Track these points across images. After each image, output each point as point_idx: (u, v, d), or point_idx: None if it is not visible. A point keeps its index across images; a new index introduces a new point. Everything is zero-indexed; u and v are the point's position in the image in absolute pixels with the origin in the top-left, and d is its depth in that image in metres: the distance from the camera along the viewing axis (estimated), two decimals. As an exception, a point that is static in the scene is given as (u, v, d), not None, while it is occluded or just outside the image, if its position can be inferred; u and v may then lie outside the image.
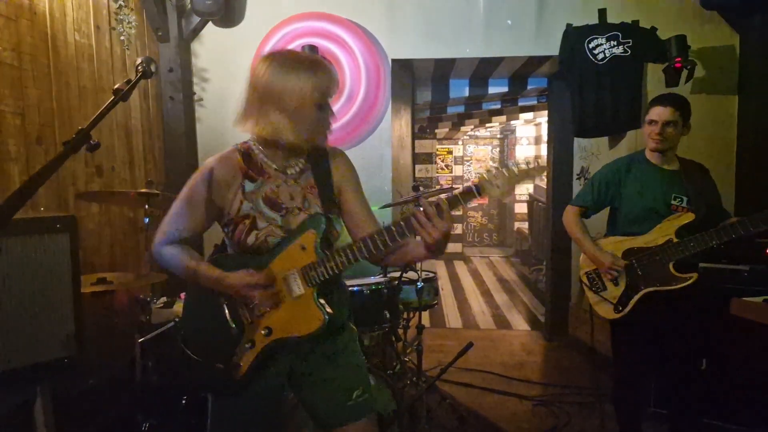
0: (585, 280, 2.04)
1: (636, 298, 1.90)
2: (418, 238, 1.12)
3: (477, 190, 1.08)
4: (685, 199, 1.90)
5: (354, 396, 1.27)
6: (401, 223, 1.11)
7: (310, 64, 1.15)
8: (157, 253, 1.24)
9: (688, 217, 1.86)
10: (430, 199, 1.09)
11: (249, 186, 1.22)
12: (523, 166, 1.09)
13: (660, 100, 1.92)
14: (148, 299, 2.06)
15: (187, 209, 1.22)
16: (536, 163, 1.09)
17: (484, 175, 1.08)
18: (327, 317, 1.18)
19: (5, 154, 1.94)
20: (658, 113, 1.89)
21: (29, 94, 2.07)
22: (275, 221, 1.21)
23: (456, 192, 1.10)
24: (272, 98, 1.12)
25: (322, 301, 1.19)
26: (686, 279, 1.84)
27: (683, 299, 1.87)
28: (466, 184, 1.12)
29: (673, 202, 1.90)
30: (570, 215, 2.09)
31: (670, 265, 1.86)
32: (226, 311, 1.22)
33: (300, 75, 1.12)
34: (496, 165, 1.12)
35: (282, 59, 1.15)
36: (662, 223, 1.89)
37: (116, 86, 0.85)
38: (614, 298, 1.95)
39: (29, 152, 2.06)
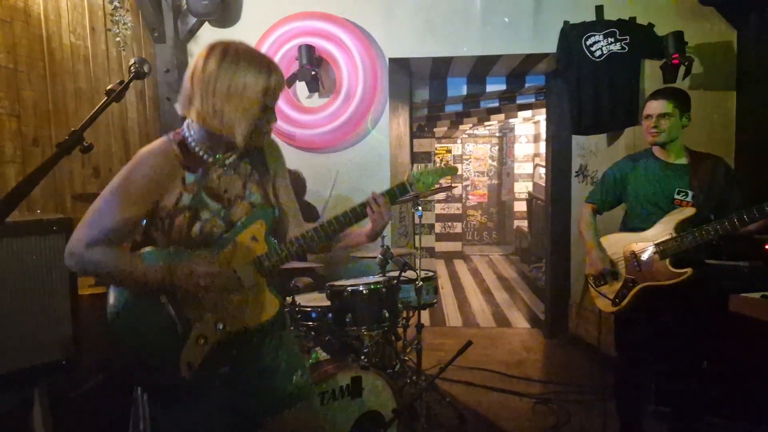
0: (590, 277, 2.07)
1: (633, 292, 1.91)
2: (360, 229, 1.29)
3: (410, 185, 1.28)
4: (690, 193, 1.88)
5: (294, 380, 1.27)
6: (356, 210, 1.23)
7: (264, 64, 1.13)
8: (79, 256, 1.09)
9: (689, 212, 1.85)
10: (374, 194, 1.25)
11: (189, 178, 1.16)
12: (441, 165, 1.29)
13: (653, 95, 1.94)
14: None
15: (118, 206, 1.10)
16: (450, 167, 1.36)
17: (413, 175, 1.29)
18: (282, 302, 1.21)
19: (1, 156, 1.94)
20: (652, 107, 1.91)
21: (25, 96, 2.07)
22: (219, 212, 1.18)
23: (393, 187, 1.27)
24: (220, 91, 1.08)
25: (271, 284, 1.21)
26: (679, 275, 1.83)
27: (683, 295, 1.87)
28: (399, 181, 1.30)
29: (677, 196, 1.89)
30: (584, 213, 2.14)
31: (667, 261, 1.85)
32: (171, 309, 1.15)
33: (252, 73, 1.10)
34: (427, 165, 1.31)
35: (236, 53, 1.10)
36: (664, 218, 1.89)
37: (109, 87, 0.85)
38: (612, 292, 1.98)
39: (26, 154, 2.06)
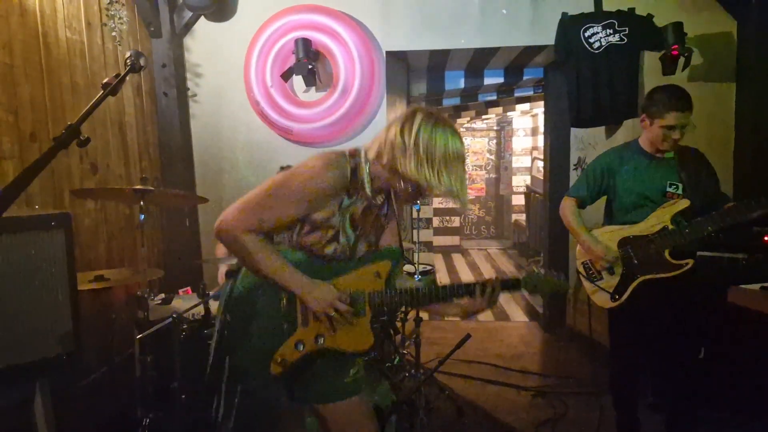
0: (581, 270, 2.05)
1: (632, 286, 1.90)
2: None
3: (523, 285, 1.34)
4: (680, 186, 1.90)
5: (351, 373, 1.33)
6: (471, 287, 1.28)
7: (460, 136, 1.25)
8: (233, 237, 1.19)
9: (683, 204, 1.86)
10: (491, 280, 1.29)
11: (346, 201, 1.24)
12: (554, 277, 1.36)
13: (676, 106, 1.83)
14: (146, 296, 2.06)
15: (285, 205, 1.19)
16: (563, 281, 1.37)
17: (528, 277, 1.34)
18: (375, 342, 1.27)
19: (-2, 151, 1.93)
20: (679, 119, 1.83)
21: (22, 91, 2.06)
22: (350, 239, 1.27)
23: (512, 279, 1.34)
24: (439, 152, 1.18)
25: (373, 321, 1.27)
26: (682, 266, 1.84)
27: (681, 288, 1.88)
28: (514, 277, 1.36)
29: (668, 189, 1.90)
30: (566, 206, 2.09)
31: (666, 253, 1.85)
32: (284, 305, 1.23)
33: (459, 142, 1.22)
34: (539, 270, 1.33)
35: (444, 121, 1.22)
36: (657, 210, 1.89)
37: (105, 81, 0.84)
38: (610, 287, 1.95)
39: (23, 149, 2.05)
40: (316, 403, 1.33)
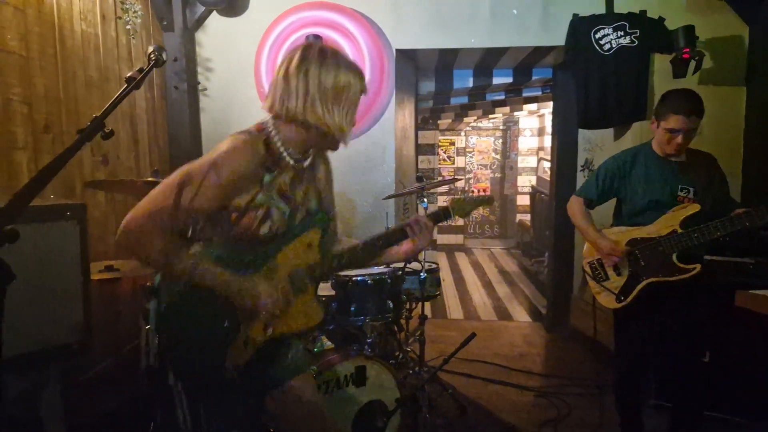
0: (588, 269, 2.05)
1: (638, 288, 1.90)
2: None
3: (453, 211, 1.38)
4: (691, 190, 1.89)
5: (290, 356, 1.32)
6: (402, 229, 1.31)
7: (358, 68, 1.21)
8: (138, 237, 1.05)
9: (694, 208, 1.85)
10: (418, 217, 1.33)
11: (267, 178, 1.17)
12: (475, 196, 1.43)
13: (680, 108, 1.79)
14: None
15: (198, 194, 1.07)
16: (486, 195, 1.46)
17: (452, 202, 1.39)
18: (324, 312, 1.26)
19: (13, 142, 1.96)
20: (680, 123, 1.79)
21: (36, 83, 2.08)
22: (285, 213, 1.20)
23: (436, 211, 1.37)
24: (325, 87, 1.12)
25: (317, 292, 1.25)
26: (689, 270, 1.84)
27: (687, 291, 1.87)
28: (442, 206, 1.41)
29: (680, 193, 1.89)
30: (574, 205, 2.09)
31: (674, 256, 1.85)
32: (224, 306, 1.17)
33: (352, 74, 1.17)
34: (462, 195, 1.35)
35: (334, 54, 1.16)
36: (667, 213, 1.88)
37: (129, 74, 0.86)
38: (616, 288, 1.95)
39: (36, 141, 2.07)
40: (266, 393, 1.30)
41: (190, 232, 1.17)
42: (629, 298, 1.91)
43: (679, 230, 1.85)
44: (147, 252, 1.07)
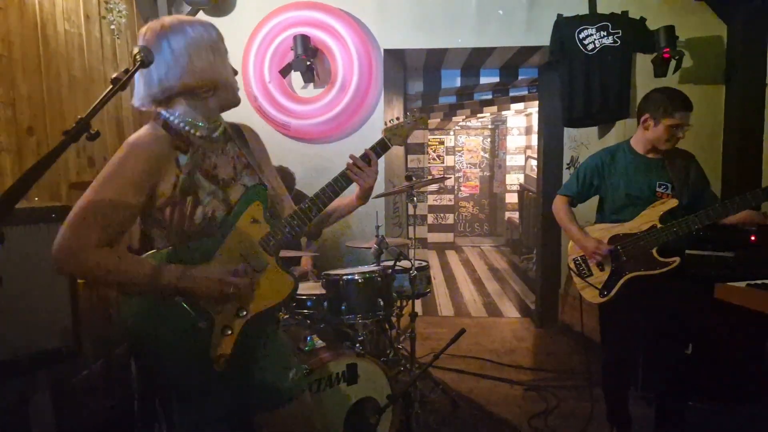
0: (572, 266, 2.10)
1: (620, 282, 1.96)
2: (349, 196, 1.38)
3: (389, 141, 1.37)
4: (669, 185, 1.95)
5: (290, 376, 1.30)
6: (343, 173, 1.31)
7: (207, 22, 1.18)
8: (83, 261, 1.01)
9: (672, 203, 1.91)
10: (353, 157, 1.34)
11: (182, 159, 1.12)
12: (408, 118, 1.40)
13: (687, 105, 1.89)
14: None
15: (114, 198, 1.03)
16: (417, 114, 1.42)
17: (387, 130, 1.38)
18: (295, 279, 1.23)
19: (-4, 145, 1.93)
20: (686, 119, 1.88)
21: (19, 84, 2.05)
22: (218, 195, 1.16)
23: (374, 145, 1.37)
24: (196, 50, 1.11)
25: (280, 261, 1.23)
26: (669, 263, 1.89)
27: (669, 284, 1.92)
28: (378, 139, 1.39)
29: (658, 189, 1.95)
30: (558, 204, 2.15)
31: (654, 250, 1.91)
32: (187, 307, 1.12)
33: (207, 29, 1.16)
34: (399, 120, 1.41)
35: (180, 21, 1.13)
36: (647, 209, 1.94)
37: (114, 75, 0.86)
38: (599, 283, 2.00)
39: (20, 143, 2.05)
40: (257, 413, 1.27)
41: (133, 245, 1.17)
42: (612, 293, 1.97)
43: (659, 225, 1.91)
44: (91, 269, 1.03)
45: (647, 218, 1.93)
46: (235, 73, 1.22)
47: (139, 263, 1.08)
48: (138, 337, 1.15)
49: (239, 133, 1.29)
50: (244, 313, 1.16)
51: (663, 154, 1.98)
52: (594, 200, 2.15)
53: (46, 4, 2.21)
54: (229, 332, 1.15)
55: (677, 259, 1.89)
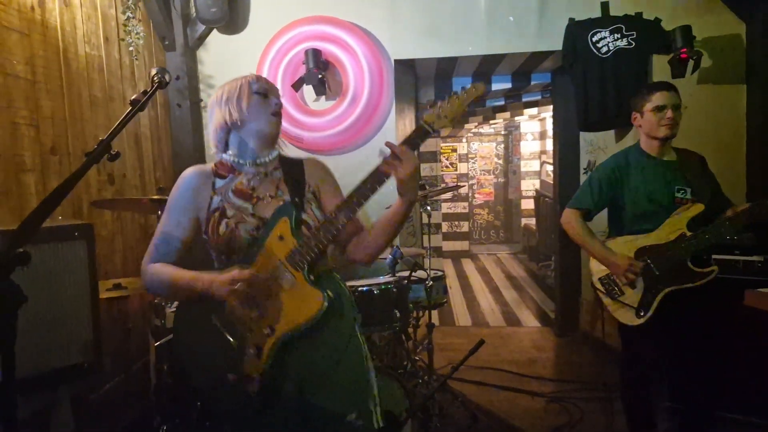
0: (599, 286, 1.92)
1: (658, 299, 1.80)
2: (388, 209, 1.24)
3: (429, 126, 1.17)
4: (688, 190, 1.84)
5: (347, 419, 1.18)
6: (371, 173, 1.16)
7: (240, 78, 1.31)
8: (143, 273, 1.23)
9: (698, 209, 1.79)
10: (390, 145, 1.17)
11: (219, 183, 1.26)
12: (462, 93, 1.18)
13: (660, 86, 1.87)
14: (163, 303, 2.09)
15: (165, 222, 1.24)
16: (473, 88, 1.19)
17: (431, 112, 1.18)
18: (326, 294, 1.16)
19: (21, 165, 1.99)
20: (666, 98, 1.82)
21: (43, 105, 2.12)
22: (246, 210, 1.23)
23: (411, 133, 1.17)
24: (227, 100, 1.26)
25: (312, 278, 1.18)
26: (707, 274, 1.76)
27: (700, 294, 1.80)
28: (418, 124, 1.20)
29: (677, 194, 1.84)
30: (571, 218, 1.96)
31: (688, 261, 1.78)
32: (221, 327, 1.17)
33: (235, 82, 1.29)
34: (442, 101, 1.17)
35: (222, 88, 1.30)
36: (671, 217, 1.82)
37: (133, 97, 0.88)
38: (634, 303, 1.84)
39: (44, 162, 2.11)
40: None
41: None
42: (650, 312, 1.81)
43: (687, 233, 1.79)
44: (149, 281, 1.23)
45: (673, 226, 1.81)
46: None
47: (165, 275, 1.21)
48: (183, 361, 1.25)
49: (294, 163, 1.34)
50: (269, 331, 1.16)
51: (676, 156, 1.89)
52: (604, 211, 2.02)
53: (67, 27, 2.29)
54: (255, 353, 1.15)
55: (715, 269, 1.76)
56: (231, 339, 1.16)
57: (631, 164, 1.92)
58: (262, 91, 1.26)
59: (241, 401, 1.17)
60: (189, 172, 1.28)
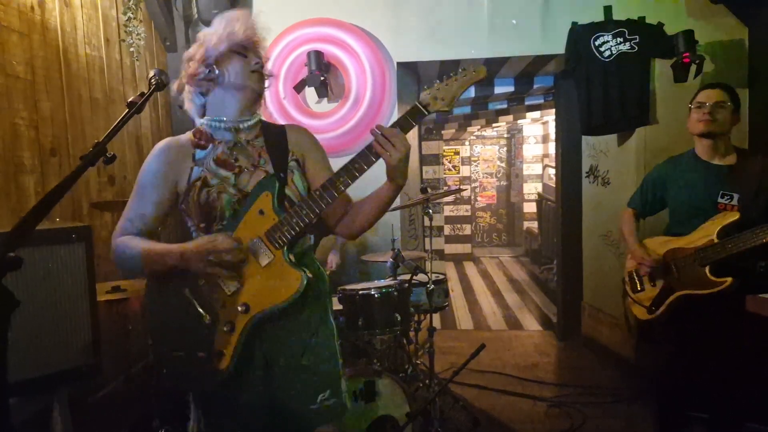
0: (626, 278, 2.03)
1: (669, 300, 1.83)
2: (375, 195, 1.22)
3: (424, 107, 1.13)
4: (735, 196, 1.77)
5: (319, 399, 1.19)
6: (360, 153, 1.13)
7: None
8: (113, 247, 1.18)
9: (732, 216, 1.73)
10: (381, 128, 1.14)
11: (199, 154, 1.21)
12: (461, 75, 1.14)
13: (708, 85, 1.90)
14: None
15: (138, 195, 1.19)
16: (473, 70, 1.14)
17: (427, 93, 1.12)
18: (305, 275, 1.12)
19: (21, 166, 1.98)
20: (707, 95, 1.83)
21: (42, 107, 2.11)
22: (228, 180, 1.18)
23: (404, 114, 1.13)
24: (207, 48, 1.23)
25: (292, 257, 1.14)
26: (719, 284, 1.73)
27: (721, 305, 1.75)
28: (412, 105, 1.13)
29: (720, 200, 1.79)
30: (623, 216, 2.09)
31: (707, 268, 1.75)
32: (194, 301, 1.13)
33: (216, 24, 1.24)
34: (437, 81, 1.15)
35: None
36: (707, 222, 1.78)
37: (130, 99, 0.87)
38: (648, 299, 1.89)
39: (44, 164, 2.10)
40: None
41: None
42: (660, 310, 1.84)
43: (716, 240, 1.74)
44: (117, 255, 1.19)
45: (705, 232, 1.77)
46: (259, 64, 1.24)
47: (134, 248, 1.15)
48: (156, 336, 1.22)
49: (277, 130, 1.28)
50: (244, 308, 1.12)
51: (735, 160, 1.83)
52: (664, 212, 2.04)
53: (68, 28, 2.28)
54: (228, 329, 1.11)
55: (727, 280, 1.70)
56: (203, 313, 1.12)
57: (678, 167, 1.93)
58: (241, 50, 1.19)
59: (210, 377, 1.13)
60: (162, 144, 1.21)
